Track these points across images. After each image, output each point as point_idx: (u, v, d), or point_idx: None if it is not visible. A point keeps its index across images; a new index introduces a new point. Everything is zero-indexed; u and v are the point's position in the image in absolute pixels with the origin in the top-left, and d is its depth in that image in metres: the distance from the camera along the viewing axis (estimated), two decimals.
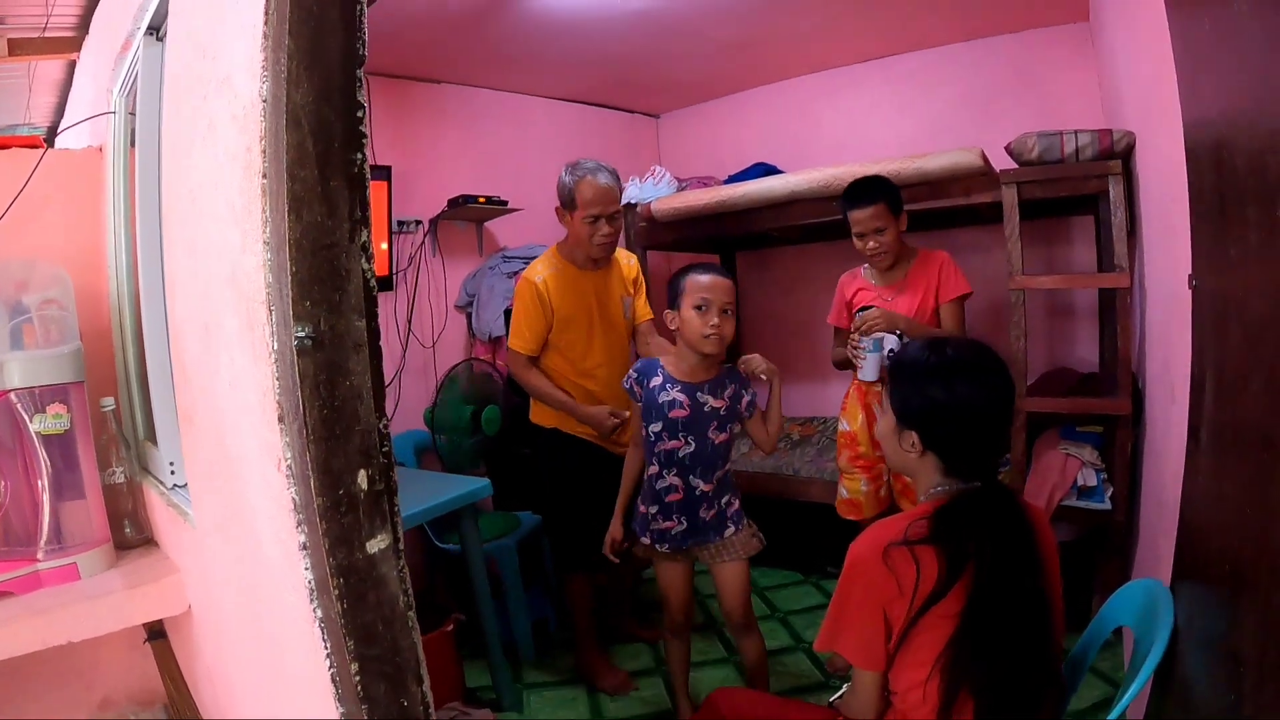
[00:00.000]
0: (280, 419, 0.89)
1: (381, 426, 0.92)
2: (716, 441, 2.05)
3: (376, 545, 0.92)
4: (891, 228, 2.39)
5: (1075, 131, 2.49)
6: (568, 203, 2.41)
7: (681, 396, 2.02)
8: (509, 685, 2.53)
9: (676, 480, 2.04)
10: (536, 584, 3.04)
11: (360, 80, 0.90)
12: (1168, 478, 1.36)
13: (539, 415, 2.62)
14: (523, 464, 3.20)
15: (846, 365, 2.52)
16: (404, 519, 0.93)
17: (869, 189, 2.40)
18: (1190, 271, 1.35)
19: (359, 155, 0.90)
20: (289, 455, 0.88)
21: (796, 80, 4.25)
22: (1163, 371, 1.93)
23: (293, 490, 0.88)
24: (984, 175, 2.79)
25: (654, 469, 2.07)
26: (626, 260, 2.65)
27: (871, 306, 2.48)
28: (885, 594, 1.23)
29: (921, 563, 1.22)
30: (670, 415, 2.03)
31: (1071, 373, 3.31)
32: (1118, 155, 2.43)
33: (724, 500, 2.10)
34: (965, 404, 1.30)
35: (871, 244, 2.40)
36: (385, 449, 0.92)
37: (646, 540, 2.13)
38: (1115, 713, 1.16)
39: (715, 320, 1.94)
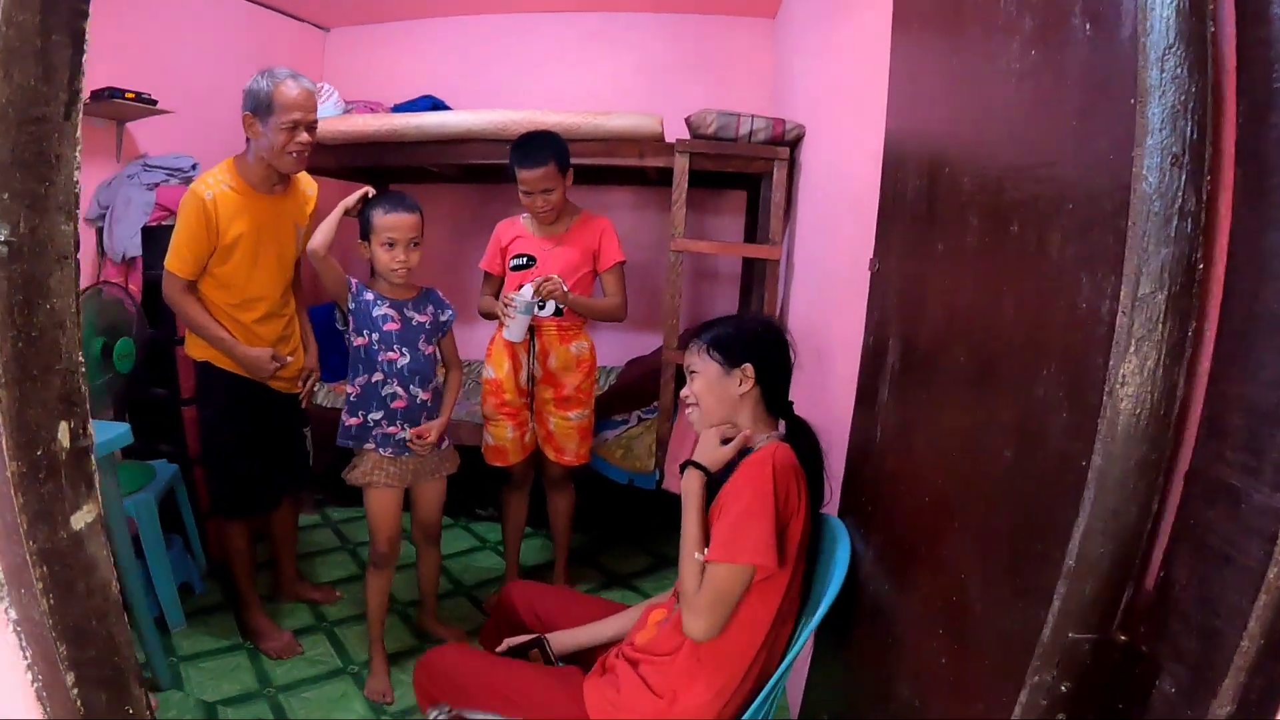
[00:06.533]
0: None
1: (81, 363, 0.74)
2: (426, 353, 2.24)
3: (83, 519, 0.75)
4: (559, 188, 2.39)
5: (752, 115, 2.74)
6: (263, 107, 2.08)
7: (392, 311, 2.18)
8: (164, 661, 2.19)
9: (400, 389, 2.19)
10: (174, 543, 2.63)
11: None
12: (820, 425, 1.61)
13: (191, 346, 2.31)
14: (158, 406, 2.75)
15: (494, 316, 2.49)
16: None
17: (539, 149, 2.36)
18: (872, 255, 1.58)
19: (86, 5, 0.68)
20: None
21: (476, 18, 4.10)
22: (806, 334, 2.24)
23: None
24: (659, 141, 2.93)
25: (379, 376, 2.18)
26: (307, 187, 2.40)
27: (529, 256, 2.51)
28: (790, 505, 1.38)
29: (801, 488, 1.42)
30: (384, 328, 2.17)
31: None
32: (787, 143, 2.73)
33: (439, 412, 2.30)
34: (780, 337, 1.59)
35: (540, 203, 2.41)
36: (85, 391, 0.75)
37: (370, 445, 2.19)
38: (812, 625, 1.34)
39: (402, 256, 2.11)
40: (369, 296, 2.16)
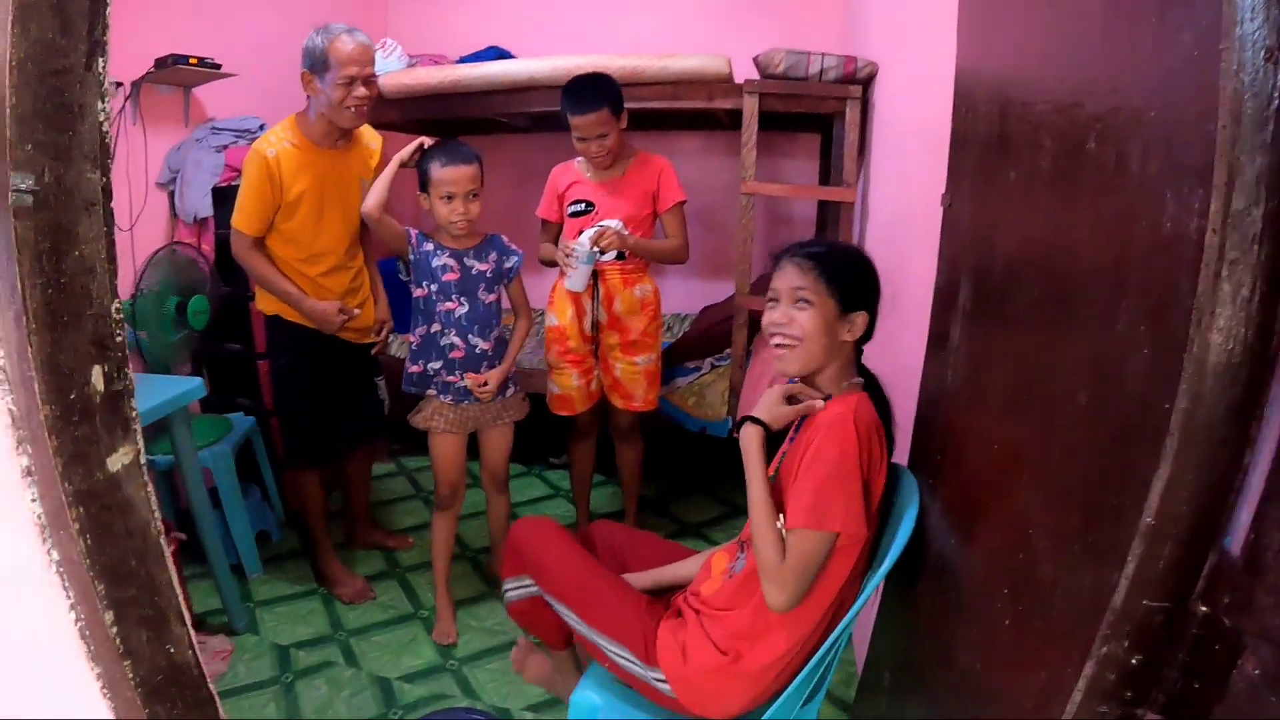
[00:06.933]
0: None
1: (115, 309, 0.74)
2: (486, 302, 2.22)
3: (119, 461, 0.75)
4: (614, 131, 2.32)
5: (822, 54, 2.61)
6: (319, 64, 2.09)
7: (451, 261, 2.17)
8: (240, 606, 2.30)
9: (457, 339, 2.20)
10: (252, 493, 2.75)
11: None
12: (890, 374, 1.52)
13: (261, 301, 2.37)
14: (233, 361, 2.85)
15: (554, 264, 2.45)
16: None
17: (592, 93, 2.28)
18: (944, 192, 1.47)
19: None
20: (2, 352, 0.68)
21: None
22: (882, 278, 2.13)
23: (9, 399, 0.68)
24: (727, 82, 2.83)
25: (437, 327, 2.20)
26: (370, 140, 2.40)
27: (587, 201, 2.45)
28: (872, 464, 1.31)
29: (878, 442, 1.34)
30: (443, 279, 2.17)
31: None
32: (859, 81, 2.60)
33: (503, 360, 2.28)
34: (879, 282, 1.46)
35: (594, 148, 2.34)
36: (119, 337, 0.74)
37: (432, 392, 2.22)
38: (876, 580, 1.29)
39: (461, 208, 2.09)
40: (429, 247, 2.16)
